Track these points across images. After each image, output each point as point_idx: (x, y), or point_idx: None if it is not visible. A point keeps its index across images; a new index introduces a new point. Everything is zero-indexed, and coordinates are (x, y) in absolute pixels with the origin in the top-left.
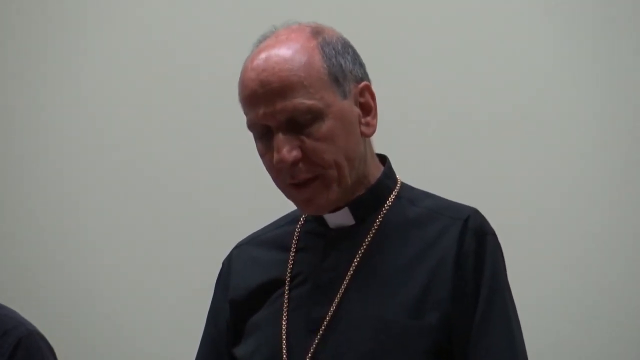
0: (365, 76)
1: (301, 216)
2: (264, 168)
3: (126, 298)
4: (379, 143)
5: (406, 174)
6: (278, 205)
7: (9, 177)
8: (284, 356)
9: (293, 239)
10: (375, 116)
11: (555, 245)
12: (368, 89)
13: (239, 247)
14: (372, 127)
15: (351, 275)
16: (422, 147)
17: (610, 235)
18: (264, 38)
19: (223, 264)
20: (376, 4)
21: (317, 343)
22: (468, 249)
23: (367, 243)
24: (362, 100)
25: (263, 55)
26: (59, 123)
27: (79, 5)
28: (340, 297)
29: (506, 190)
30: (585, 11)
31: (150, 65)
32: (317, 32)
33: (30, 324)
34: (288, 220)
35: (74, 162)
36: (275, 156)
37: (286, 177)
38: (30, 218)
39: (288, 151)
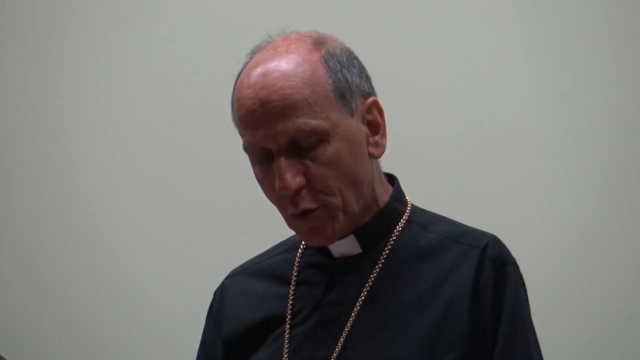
0: (372, 90)
1: (300, 243)
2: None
3: (140, 299)
4: None
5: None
6: None
7: (17, 178)
8: None
9: (293, 269)
10: (384, 135)
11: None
12: (376, 104)
13: (231, 276)
14: (381, 147)
15: (358, 310)
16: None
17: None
18: (259, 49)
19: (215, 294)
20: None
21: None
22: (486, 281)
23: (375, 274)
24: (369, 117)
25: (260, 70)
26: (75, 125)
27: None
28: (346, 335)
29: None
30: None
31: (179, 70)
32: (319, 42)
33: None
34: (285, 248)
35: (98, 164)
36: (278, 183)
37: (288, 206)
38: (43, 218)
39: (292, 177)
